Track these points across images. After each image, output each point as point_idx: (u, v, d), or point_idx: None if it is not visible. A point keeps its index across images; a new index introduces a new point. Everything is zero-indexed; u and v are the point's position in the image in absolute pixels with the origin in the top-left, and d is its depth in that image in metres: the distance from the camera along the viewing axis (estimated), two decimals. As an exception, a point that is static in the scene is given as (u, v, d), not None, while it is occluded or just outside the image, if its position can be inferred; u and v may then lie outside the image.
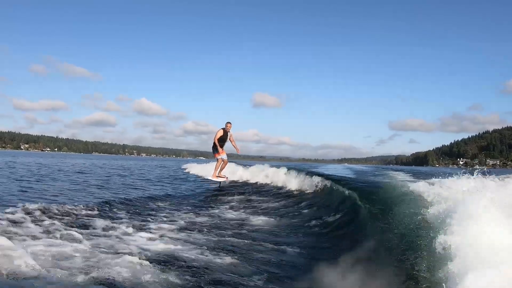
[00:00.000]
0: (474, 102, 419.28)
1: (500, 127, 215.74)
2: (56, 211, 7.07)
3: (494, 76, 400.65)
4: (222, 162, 13.00)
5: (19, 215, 6.29)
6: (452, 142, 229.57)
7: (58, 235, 5.41)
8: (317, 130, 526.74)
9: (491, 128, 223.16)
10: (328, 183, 10.77)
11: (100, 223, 6.62)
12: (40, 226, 5.93)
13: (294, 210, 9.97)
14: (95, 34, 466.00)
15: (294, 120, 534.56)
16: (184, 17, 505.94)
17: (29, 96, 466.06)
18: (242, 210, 9.94)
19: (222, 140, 12.68)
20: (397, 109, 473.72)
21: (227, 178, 13.93)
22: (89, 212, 7.56)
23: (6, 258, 3.94)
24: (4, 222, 5.76)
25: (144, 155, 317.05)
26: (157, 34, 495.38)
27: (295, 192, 12.68)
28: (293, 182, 13.74)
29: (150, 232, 6.28)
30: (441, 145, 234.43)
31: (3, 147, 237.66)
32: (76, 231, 5.72)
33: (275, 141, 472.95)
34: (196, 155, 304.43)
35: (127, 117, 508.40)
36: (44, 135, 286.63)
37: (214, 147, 12.69)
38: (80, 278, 3.76)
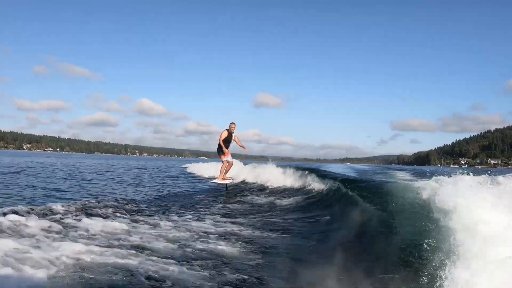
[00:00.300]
0: (476, 102, 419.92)
1: (502, 127, 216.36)
2: (127, 207, 8.41)
3: (496, 76, 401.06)
4: (228, 164, 12.87)
5: (105, 211, 7.67)
6: (454, 141, 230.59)
7: (151, 221, 6.87)
8: (318, 130, 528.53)
9: (493, 127, 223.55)
10: (330, 178, 11.74)
11: (167, 214, 8.06)
12: (125, 217, 7.24)
13: (309, 190, 11.54)
14: (96, 34, 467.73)
15: (296, 120, 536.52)
16: (186, 17, 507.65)
17: (31, 97, 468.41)
18: (266, 196, 11.54)
19: (227, 141, 12.48)
20: (399, 109, 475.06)
21: (232, 180, 13.84)
22: (152, 207, 8.90)
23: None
24: (102, 214, 7.21)
25: (146, 155, 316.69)
26: (158, 34, 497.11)
27: (303, 182, 13.24)
28: (301, 176, 13.85)
29: (205, 219, 7.61)
30: (442, 145, 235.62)
31: (6, 147, 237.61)
32: (157, 220, 7.15)
33: (277, 141, 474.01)
34: (198, 155, 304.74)
35: (128, 117, 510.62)
36: (46, 135, 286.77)
37: (219, 148, 12.55)
38: (189, 249, 5.21)
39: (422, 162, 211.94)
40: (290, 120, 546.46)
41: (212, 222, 7.35)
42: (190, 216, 7.80)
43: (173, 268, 4.28)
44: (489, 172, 5.42)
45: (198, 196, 11.62)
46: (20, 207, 6.65)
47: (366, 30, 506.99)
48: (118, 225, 6.30)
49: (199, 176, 22.78)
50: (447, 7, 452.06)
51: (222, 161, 12.77)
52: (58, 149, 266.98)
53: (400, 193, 5.07)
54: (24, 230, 5.36)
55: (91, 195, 10.07)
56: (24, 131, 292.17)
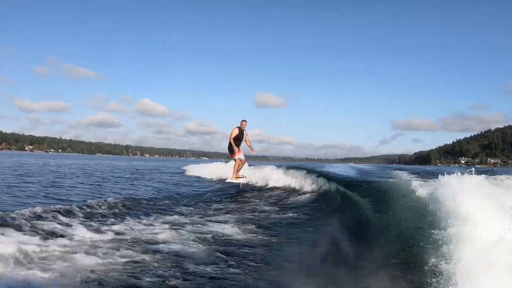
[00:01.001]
0: (478, 101, 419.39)
1: (502, 126, 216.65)
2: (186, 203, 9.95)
3: (498, 75, 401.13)
4: (240, 163, 12.52)
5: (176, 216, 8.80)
6: (455, 141, 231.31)
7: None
8: (320, 130, 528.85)
9: (494, 127, 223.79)
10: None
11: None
12: (180, 214, 8.27)
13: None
14: (97, 35, 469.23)
15: (297, 120, 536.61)
16: (188, 17, 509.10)
17: (32, 97, 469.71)
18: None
19: (238, 139, 12.11)
20: (400, 108, 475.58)
21: (245, 177, 13.41)
22: (217, 205, 10.18)
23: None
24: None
25: (147, 155, 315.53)
26: (160, 34, 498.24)
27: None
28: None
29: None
30: (443, 144, 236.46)
31: (8, 148, 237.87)
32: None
33: (278, 140, 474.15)
34: (200, 156, 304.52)
35: (129, 118, 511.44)
36: (47, 136, 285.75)
37: (230, 147, 12.21)
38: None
39: (423, 162, 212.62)
40: (292, 120, 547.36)
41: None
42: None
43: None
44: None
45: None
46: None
47: (366, 30, 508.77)
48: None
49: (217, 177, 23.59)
50: (447, 7, 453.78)
51: (235, 160, 12.45)
52: (60, 150, 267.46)
53: (403, 192, 5.23)
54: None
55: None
56: (25, 132, 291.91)
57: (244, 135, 12.22)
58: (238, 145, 12.16)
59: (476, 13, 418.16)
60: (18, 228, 5.08)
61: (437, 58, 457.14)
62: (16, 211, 5.87)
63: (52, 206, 6.59)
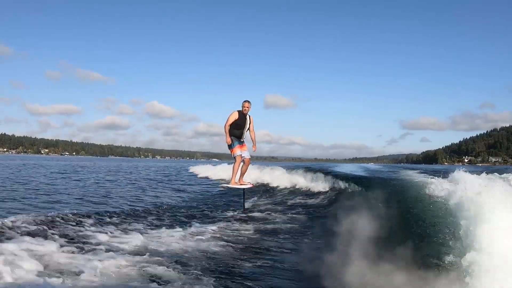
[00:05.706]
0: (485, 100, 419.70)
1: (508, 125, 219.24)
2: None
3: (505, 73, 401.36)
4: (240, 161, 9.07)
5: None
6: (461, 140, 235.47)
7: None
8: (328, 130, 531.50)
9: (503, 125, 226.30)
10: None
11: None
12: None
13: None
14: (107, 38, 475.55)
15: (306, 120, 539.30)
16: (197, 19, 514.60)
17: (41, 101, 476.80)
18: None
19: (238, 126, 8.85)
20: (409, 108, 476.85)
21: (252, 184, 10.34)
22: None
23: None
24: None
25: (158, 157, 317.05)
26: (169, 36, 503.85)
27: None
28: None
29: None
30: (450, 143, 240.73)
31: (25, 151, 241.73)
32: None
33: (287, 141, 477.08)
34: (210, 157, 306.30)
35: (139, 120, 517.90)
36: (58, 139, 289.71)
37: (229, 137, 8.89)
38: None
39: (430, 161, 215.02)
40: (301, 120, 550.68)
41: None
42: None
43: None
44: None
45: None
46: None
47: (374, 30, 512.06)
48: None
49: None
50: (455, 6, 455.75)
51: (234, 157, 9.01)
52: (74, 153, 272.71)
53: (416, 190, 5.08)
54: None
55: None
56: (36, 135, 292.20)
57: (247, 122, 8.96)
58: (238, 136, 8.96)
59: (485, 11, 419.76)
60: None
61: (445, 57, 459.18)
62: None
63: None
